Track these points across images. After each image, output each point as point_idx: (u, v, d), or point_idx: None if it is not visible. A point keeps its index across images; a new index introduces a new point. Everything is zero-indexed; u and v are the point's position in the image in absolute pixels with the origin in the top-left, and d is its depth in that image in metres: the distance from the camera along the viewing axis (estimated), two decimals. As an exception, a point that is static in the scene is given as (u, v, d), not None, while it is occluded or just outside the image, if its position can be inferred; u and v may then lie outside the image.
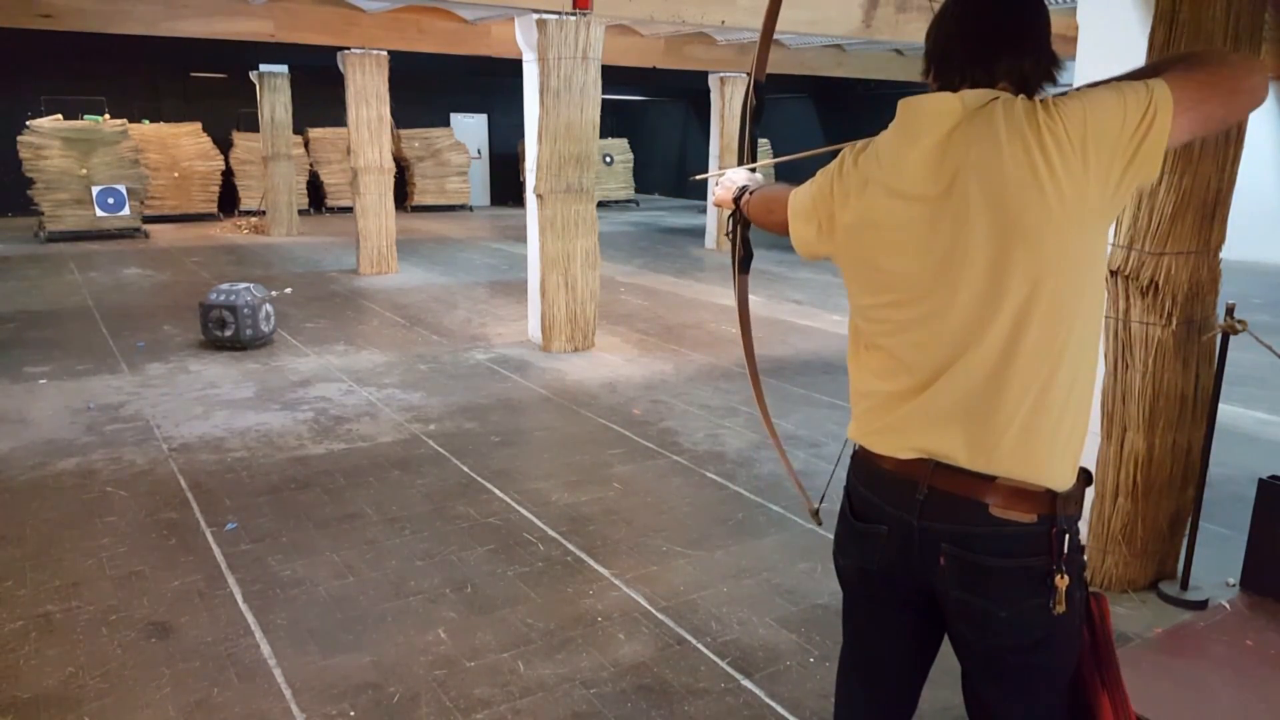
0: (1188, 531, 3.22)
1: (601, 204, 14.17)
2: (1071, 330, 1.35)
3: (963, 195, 1.35)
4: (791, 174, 20.49)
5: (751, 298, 7.73)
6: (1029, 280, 1.33)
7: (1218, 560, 3.37)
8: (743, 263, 2.14)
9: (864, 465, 1.54)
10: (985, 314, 1.36)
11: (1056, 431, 1.38)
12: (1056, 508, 1.39)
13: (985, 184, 1.33)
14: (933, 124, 1.39)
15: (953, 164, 1.35)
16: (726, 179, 2.04)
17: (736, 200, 1.98)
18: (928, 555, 1.44)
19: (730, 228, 2.09)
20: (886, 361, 1.48)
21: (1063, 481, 1.40)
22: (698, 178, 3.13)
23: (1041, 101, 1.34)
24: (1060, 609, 1.39)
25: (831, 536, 1.65)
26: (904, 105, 1.45)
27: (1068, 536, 1.40)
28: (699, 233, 14.16)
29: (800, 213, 1.63)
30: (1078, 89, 1.37)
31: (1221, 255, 3.14)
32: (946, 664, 1.62)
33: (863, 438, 1.54)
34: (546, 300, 6.78)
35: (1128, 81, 1.33)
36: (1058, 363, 1.35)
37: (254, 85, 13.29)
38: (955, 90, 1.40)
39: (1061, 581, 1.38)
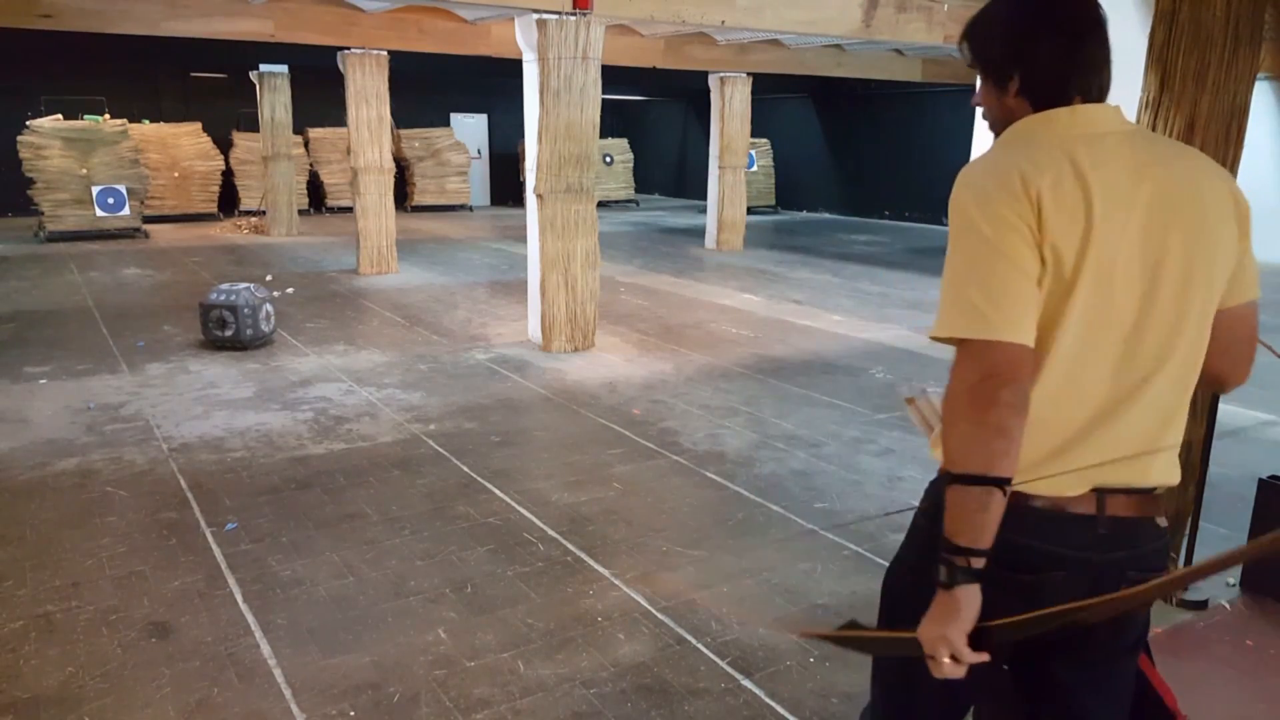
0: (1188, 531, 3.22)
1: (601, 204, 14.17)
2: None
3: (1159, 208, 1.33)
4: (788, 170, 20.22)
5: (751, 298, 7.71)
6: (1205, 284, 1.34)
7: (1218, 560, 3.36)
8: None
9: (1013, 509, 1.31)
10: (1178, 324, 1.33)
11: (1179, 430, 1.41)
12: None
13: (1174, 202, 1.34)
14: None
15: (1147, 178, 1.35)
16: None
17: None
18: (1109, 588, 1.34)
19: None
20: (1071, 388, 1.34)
21: None
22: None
23: None
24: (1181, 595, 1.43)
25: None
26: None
27: None
28: (699, 233, 14.15)
29: (1023, 300, 1.27)
30: None
31: (1222, 255, 3.14)
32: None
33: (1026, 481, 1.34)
34: (546, 300, 6.78)
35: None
36: (1196, 368, 1.38)
37: (254, 85, 13.29)
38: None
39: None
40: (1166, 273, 1.31)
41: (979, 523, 1.24)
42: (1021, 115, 1.40)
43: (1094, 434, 1.33)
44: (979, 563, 1.25)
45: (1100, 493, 1.34)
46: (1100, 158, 1.31)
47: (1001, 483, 1.24)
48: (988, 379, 1.23)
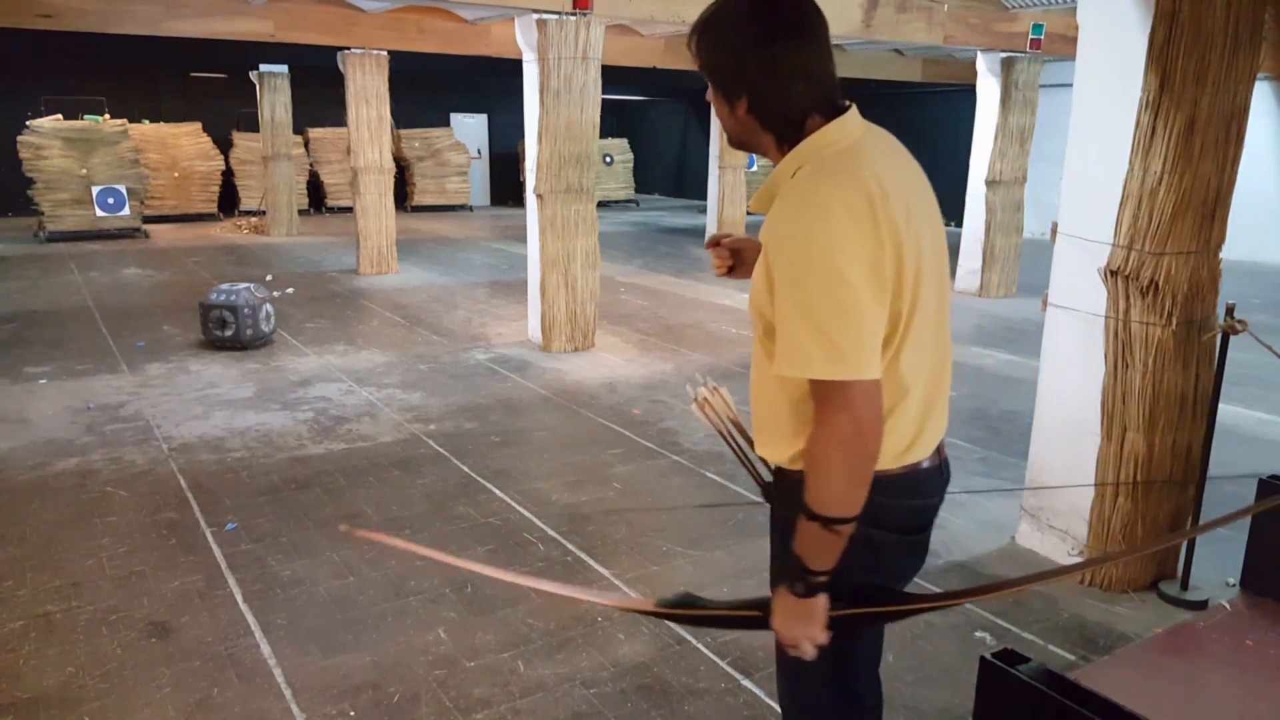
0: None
1: (601, 204, 14.16)
2: None
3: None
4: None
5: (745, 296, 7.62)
6: None
7: (1218, 560, 3.36)
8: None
9: (905, 480, 1.49)
10: (949, 289, 1.56)
11: None
12: None
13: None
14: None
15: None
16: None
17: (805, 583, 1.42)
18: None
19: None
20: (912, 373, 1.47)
21: None
22: None
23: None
24: None
25: None
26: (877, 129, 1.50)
27: None
28: (699, 233, 14.16)
29: (872, 338, 1.34)
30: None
31: (1221, 255, 3.14)
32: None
33: (901, 455, 1.48)
34: (546, 300, 6.78)
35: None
36: None
37: (254, 85, 13.29)
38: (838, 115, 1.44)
39: None
40: (941, 246, 1.49)
41: (836, 552, 1.37)
42: (754, 130, 1.43)
43: (936, 399, 1.52)
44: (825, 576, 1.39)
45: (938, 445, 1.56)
46: (886, 166, 1.40)
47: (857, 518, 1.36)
48: (859, 435, 1.31)
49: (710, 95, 1.47)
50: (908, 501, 1.51)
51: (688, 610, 1.57)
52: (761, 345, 1.50)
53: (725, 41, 1.39)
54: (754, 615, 1.47)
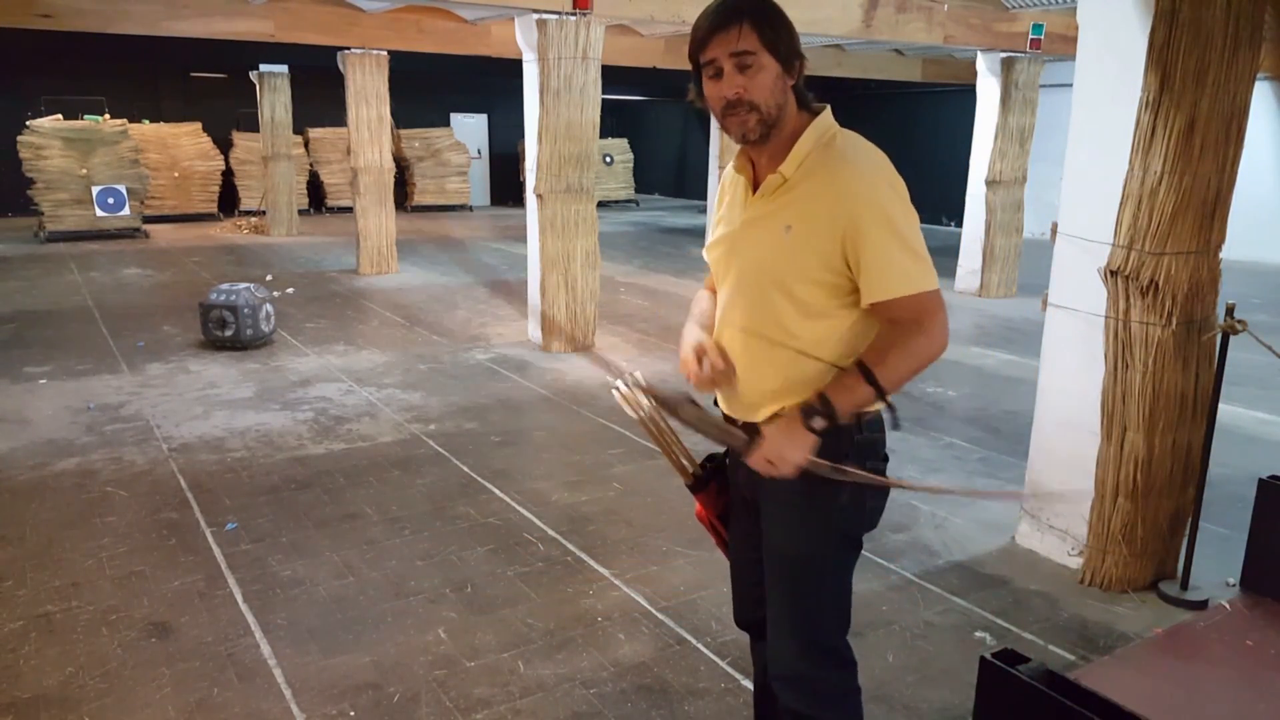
0: (1188, 531, 3.22)
1: (601, 204, 14.15)
2: None
3: None
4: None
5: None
6: None
7: (1218, 560, 3.37)
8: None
9: (880, 419, 1.77)
10: None
11: None
12: None
13: None
14: None
15: None
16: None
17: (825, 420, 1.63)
18: None
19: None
20: None
21: None
22: None
23: None
24: None
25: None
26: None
27: None
28: (699, 233, 14.16)
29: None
30: None
31: (1221, 255, 3.14)
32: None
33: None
34: (546, 300, 6.78)
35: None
36: None
37: (254, 85, 13.29)
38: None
39: None
40: None
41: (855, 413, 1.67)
42: (787, 99, 1.64)
43: None
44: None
45: None
46: None
47: None
48: (946, 331, 1.60)
49: (749, 74, 1.60)
50: (882, 435, 1.79)
51: (681, 408, 1.83)
52: (815, 299, 1.63)
53: (786, 19, 1.65)
54: (737, 434, 1.71)
